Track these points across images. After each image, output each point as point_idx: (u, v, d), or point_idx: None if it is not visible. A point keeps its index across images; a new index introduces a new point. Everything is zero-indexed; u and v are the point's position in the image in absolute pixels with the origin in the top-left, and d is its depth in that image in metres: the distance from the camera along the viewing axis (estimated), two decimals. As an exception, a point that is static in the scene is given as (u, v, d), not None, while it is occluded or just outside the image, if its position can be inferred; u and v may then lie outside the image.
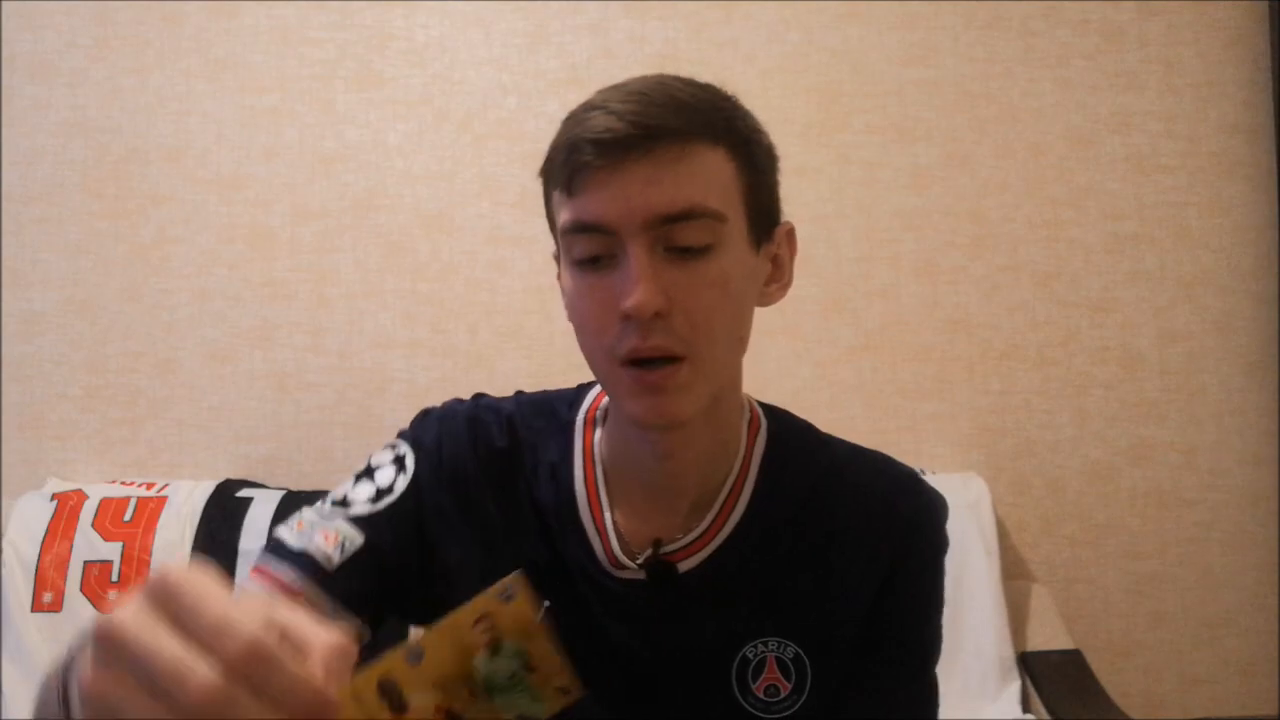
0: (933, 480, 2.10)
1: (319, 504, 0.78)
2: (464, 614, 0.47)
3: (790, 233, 0.78)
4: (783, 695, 0.75)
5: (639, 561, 0.76)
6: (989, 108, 2.14)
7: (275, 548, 0.74)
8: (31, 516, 1.89)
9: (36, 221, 2.10)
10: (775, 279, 0.77)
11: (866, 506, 0.79)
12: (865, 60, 2.13)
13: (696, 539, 0.76)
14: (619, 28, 2.11)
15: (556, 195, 0.71)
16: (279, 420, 2.10)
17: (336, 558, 0.73)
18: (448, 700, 0.46)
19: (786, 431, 0.82)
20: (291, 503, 1.90)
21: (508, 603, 0.48)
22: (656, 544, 0.76)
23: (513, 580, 0.48)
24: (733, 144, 0.70)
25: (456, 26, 2.12)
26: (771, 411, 0.83)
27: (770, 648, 0.76)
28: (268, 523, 1.86)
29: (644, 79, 0.71)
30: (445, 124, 2.11)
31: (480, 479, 0.79)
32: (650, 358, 0.68)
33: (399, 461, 0.79)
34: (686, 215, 0.67)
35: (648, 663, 0.76)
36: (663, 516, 0.77)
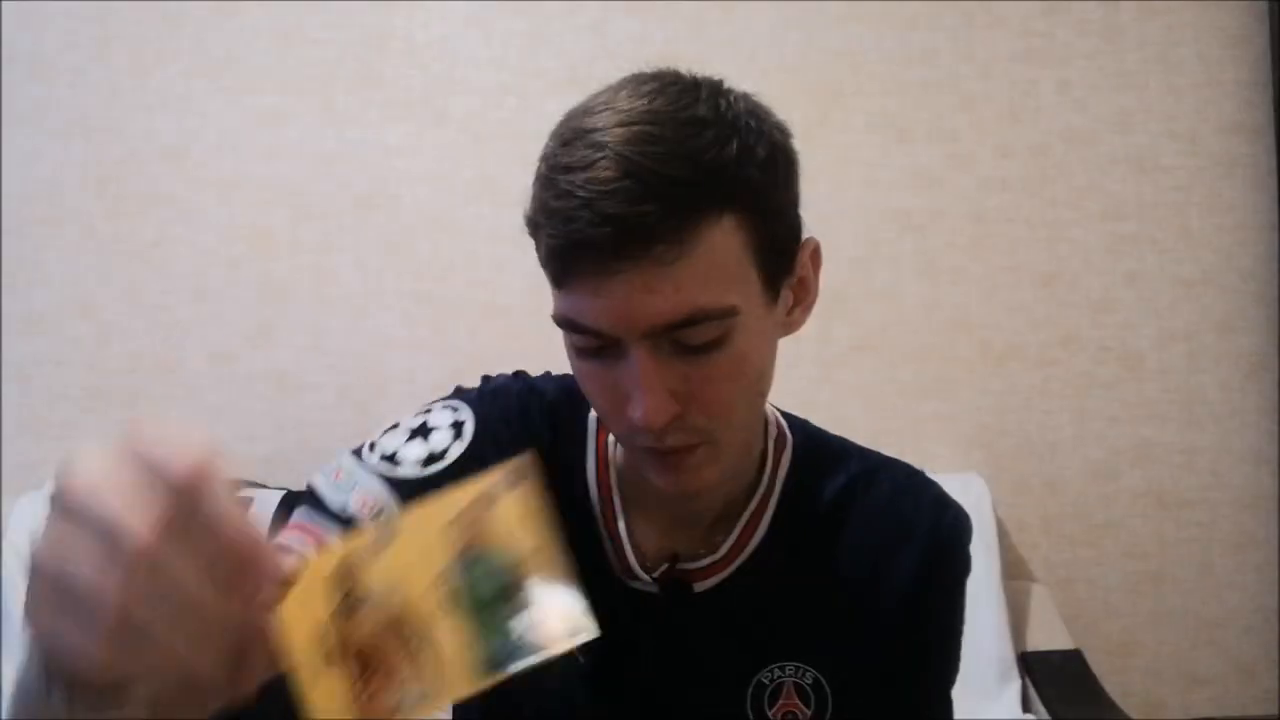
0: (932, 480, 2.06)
1: (362, 449, 0.72)
2: (455, 495, 0.39)
3: (815, 250, 0.68)
4: None
5: (654, 575, 0.72)
6: (989, 108, 2.14)
7: (313, 501, 0.70)
8: (32, 516, 1.89)
9: (36, 221, 2.10)
10: (800, 301, 0.68)
11: (893, 525, 0.75)
12: (865, 60, 2.13)
13: (718, 560, 0.73)
14: (619, 28, 2.11)
15: (544, 269, 0.64)
16: (279, 420, 2.10)
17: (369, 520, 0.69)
18: (411, 607, 0.38)
19: (813, 446, 0.78)
20: (291, 503, 1.90)
21: (512, 489, 0.39)
22: (674, 559, 0.72)
23: (523, 463, 0.39)
24: (742, 200, 0.60)
25: (456, 26, 2.12)
26: (796, 424, 0.80)
27: (789, 673, 0.72)
28: (268, 523, 1.86)
29: (628, 132, 0.58)
30: (445, 124, 2.11)
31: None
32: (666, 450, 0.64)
33: (457, 427, 0.74)
34: (690, 322, 0.59)
35: (658, 681, 0.73)
36: (682, 530, 0.74)
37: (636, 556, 0.73)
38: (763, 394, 0.68)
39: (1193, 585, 2.13)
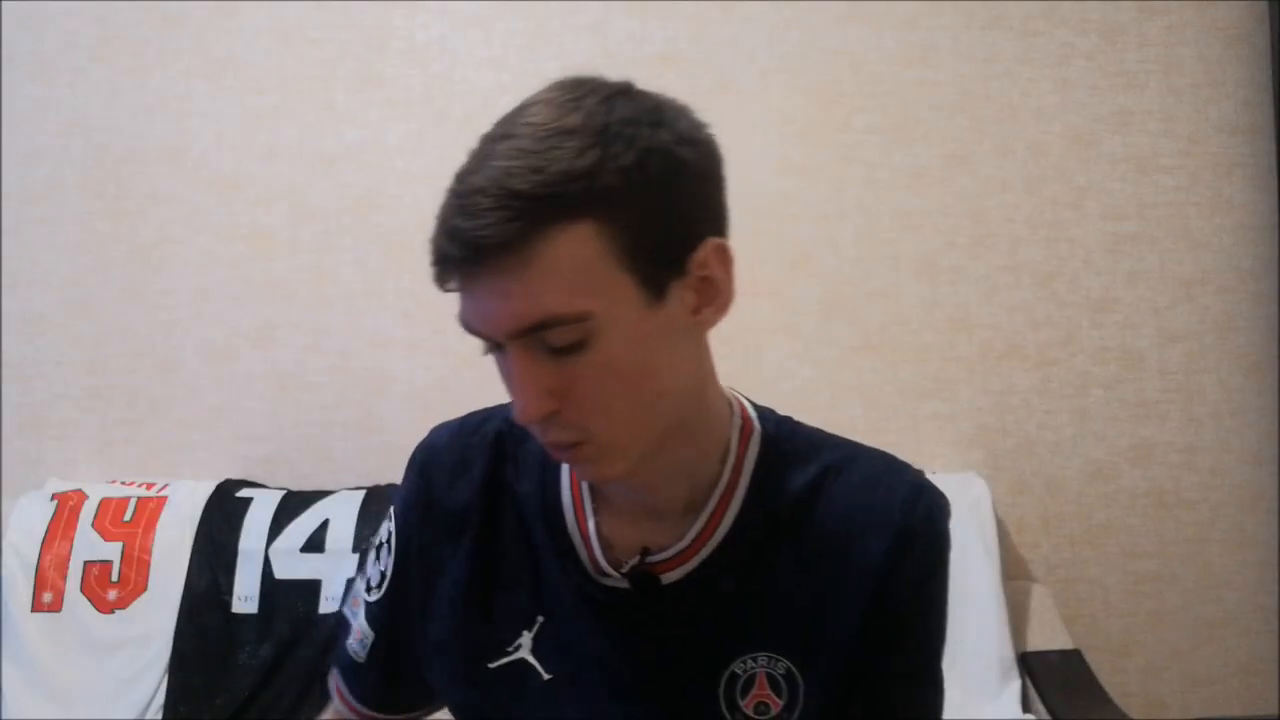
0: (933, 480, 2.08)
1: (363, 570, 0.88)
2: None
3: (717, 249, 0.68)
4: (773, 713, 0.72)
5: (623, 570, 0.74)
6: (989, 108, 2.14)
7: (341, 638, 0.87)
8: (31, 516, 1.89)
9: (36, 221, 2.10)
10: (707, 302, 0.68)
11: (862, 509, 0.74)
12: (865, 60, 2.13)
13: (683, 550, 0.74)
14: (619, 28, 2.11)
15: None
16: (279, 420, 2.10)
17: (363, 654, 0.85)
18: None
19: (783, 435, 0.78)
20: (291, 503, 1.90)
21: None
22: (644, 552, 0.74)
23: None
24: (600, 207, 0.62)
25: (456, 26, 2.12)
26: (768, 416, 0.80)
27: (761, 663, 0.73)
28: (268, 523, 1.86)
29: (504, 146, 0.63)
30: (445, 124, 2.11)
31: (465, 510, 0.80)
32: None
33: (389, 542, 0.84)
34: (542, 326, 0.63)
35: (633, 675, 0.74)
36: (651, 523, 0.75)
37: (606, 553, 0.75)
38: (663, 393, 0.68)
39: (1193, 585, 2.13)
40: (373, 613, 0.84)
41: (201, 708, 1.77)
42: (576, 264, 0.62)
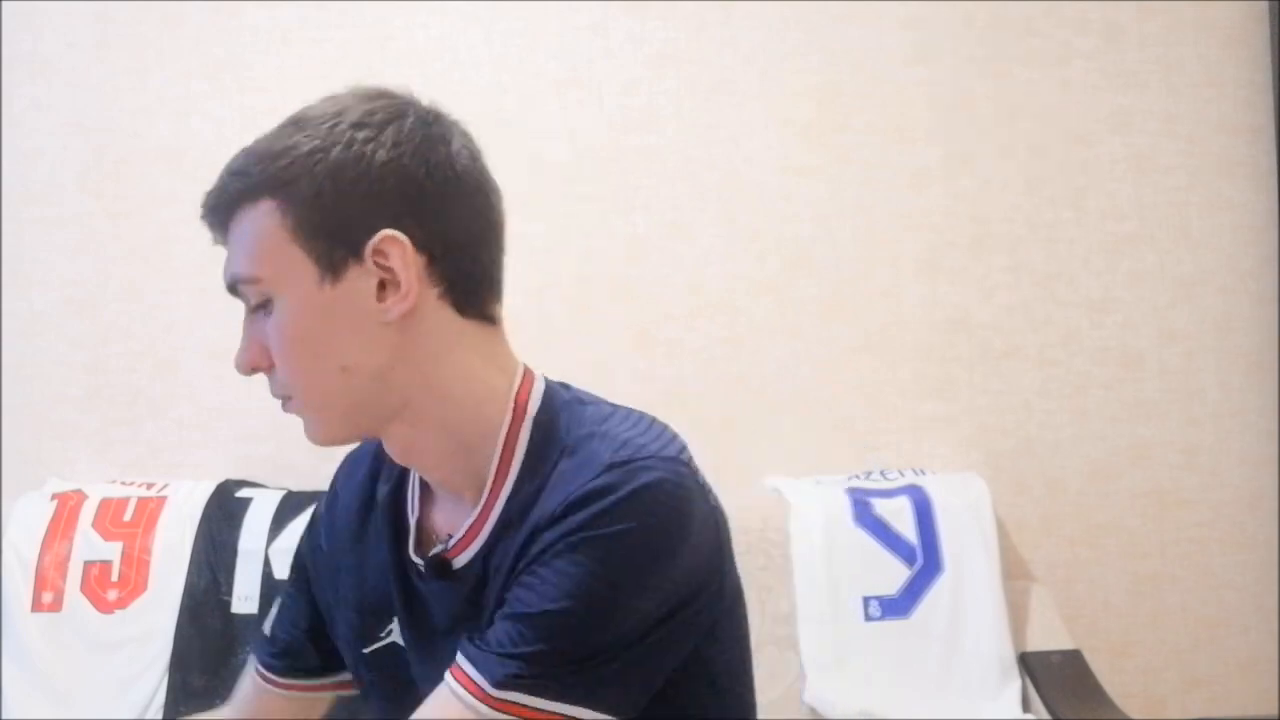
0: (933, 480, 2.07)
1: None
2: None
3: (391, 240, 0.71)
4: None
5: (428, 556, 0.79)
6: (989, 108, 2.14)
7: None
8: (31, 516, 1.89)
9: (36, 221, 2.10)
10: (392, 292, 0.72)
11: (566, 485, 0.72)
12: (865, 60, 2.13)
13: (463, 536, 0.77)
14: (619, 28, 2.10)
15: None
16: (279, 420, 2.08)
17: (268, 629, 0.96)
18: None
19: (551, 418, 0.77)
20: (291, 503, 1.90)
21: None
22: (447, 539, 0.79)
23: None
24: (281, 189, 0.73)
25: (456, 26, 2.12)
26: (553, 398, 0.79)
27: None
28: (268, 523, 1.86)
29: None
30: (445, 124, 2.10)
31: (349, 511, 0.89)
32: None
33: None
34: (234, 285, 0.78)
35: (448, 652, 0.73)
36: (455, 514, 0.79)
37: (422, 541, 0.81)
38: (345, 369, 0.75)
39: (1193, 585, 2.13)
40: (284, 592, 0.97)
41: (201, 708, 1.77)
42: (256, 235, 0.74)
